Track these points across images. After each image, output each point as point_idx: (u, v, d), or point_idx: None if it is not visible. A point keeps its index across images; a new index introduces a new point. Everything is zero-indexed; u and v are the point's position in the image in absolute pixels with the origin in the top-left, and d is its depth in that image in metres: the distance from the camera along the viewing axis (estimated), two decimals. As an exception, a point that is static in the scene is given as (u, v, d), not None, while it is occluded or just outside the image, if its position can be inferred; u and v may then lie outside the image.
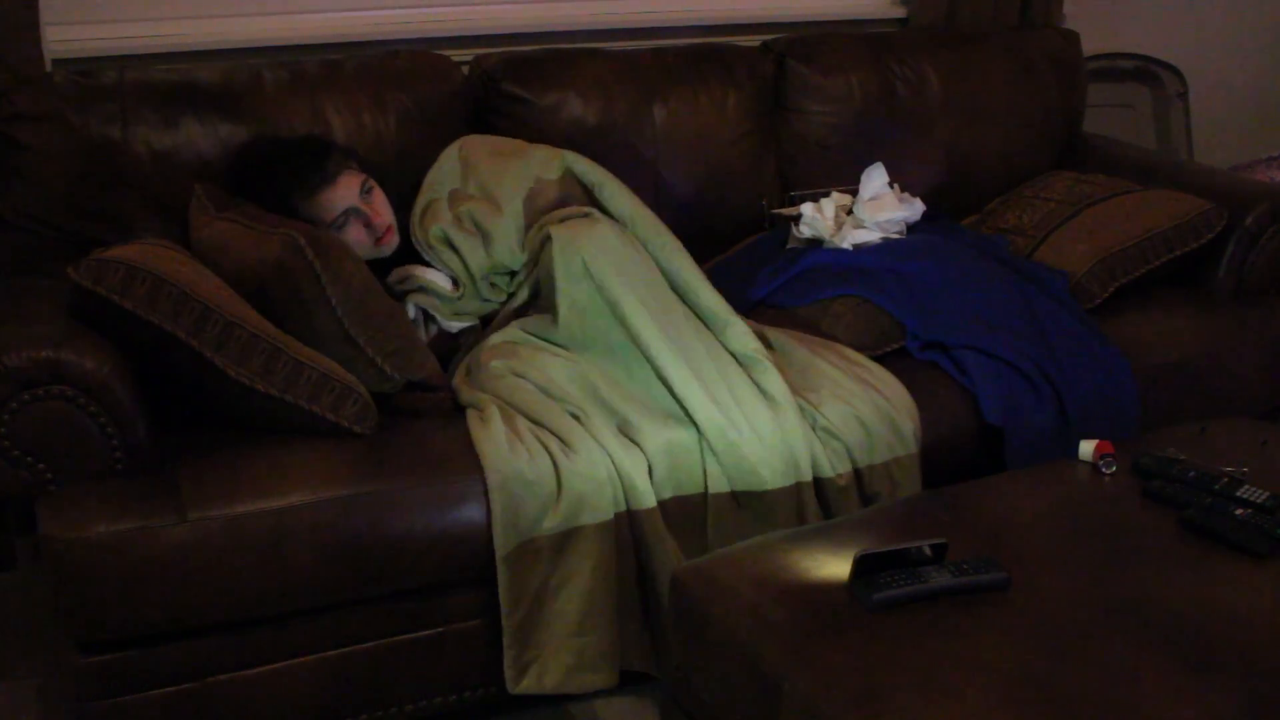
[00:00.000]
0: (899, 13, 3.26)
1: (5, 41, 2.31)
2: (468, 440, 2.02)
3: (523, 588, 1.98)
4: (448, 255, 2.32)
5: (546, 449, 2.01)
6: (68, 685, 1.87)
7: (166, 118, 2.34)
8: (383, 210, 2.30)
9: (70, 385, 1.81)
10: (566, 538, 1.99)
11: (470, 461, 1.98)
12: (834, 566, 1.68)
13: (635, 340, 2.14)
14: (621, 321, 2.15)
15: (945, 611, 1.58)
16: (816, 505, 2.13)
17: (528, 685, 2.00)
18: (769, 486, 2.08)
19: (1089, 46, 3.28)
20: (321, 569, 1.89)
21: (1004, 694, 1.44)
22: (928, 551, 1.65)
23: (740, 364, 2.19)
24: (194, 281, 1.92)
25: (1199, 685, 1.46)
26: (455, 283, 2.34)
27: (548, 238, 2.25)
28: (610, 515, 2.01)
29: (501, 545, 1.96)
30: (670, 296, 2.25)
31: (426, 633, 2.02)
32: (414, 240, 2.35)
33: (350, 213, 2.25)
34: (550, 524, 1.98)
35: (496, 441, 1.98)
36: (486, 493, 1.95)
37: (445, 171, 2.45)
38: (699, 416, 2.08)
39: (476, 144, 2.49)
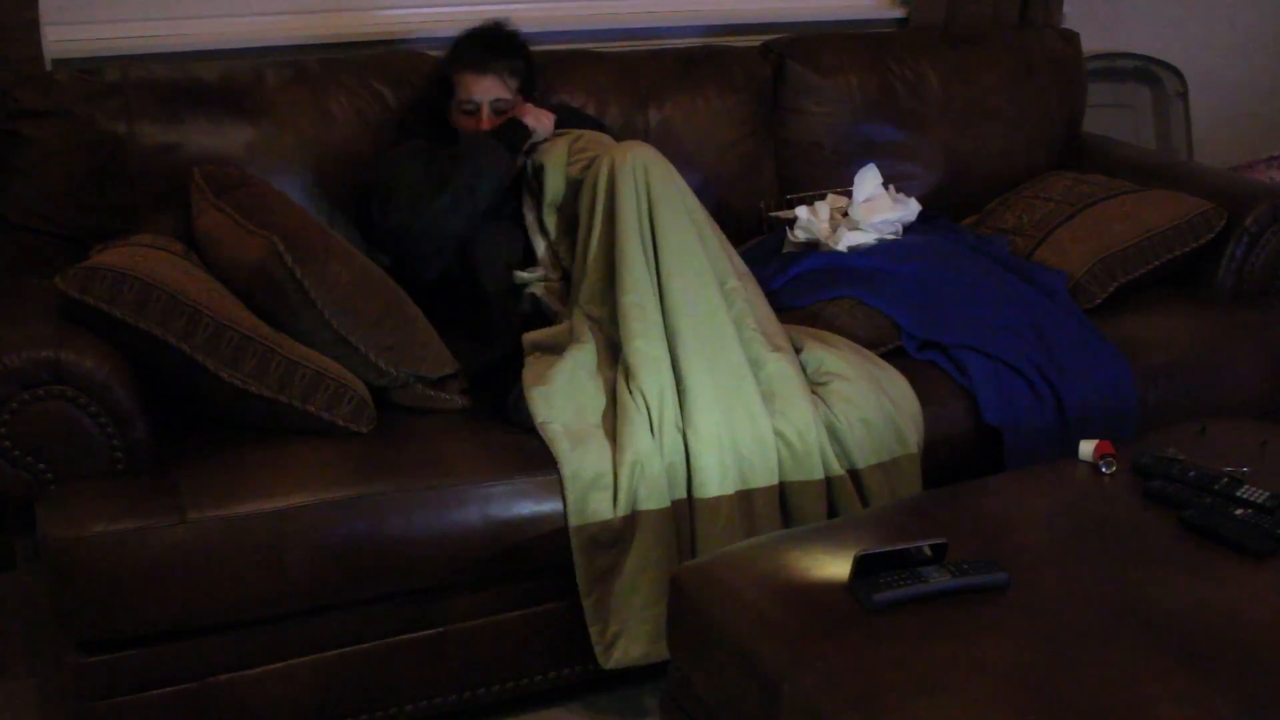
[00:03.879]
0: (899, 13, 3.26)
1: (5, 41, 2.31)
2: (470, 441, 2.02)
3: (593, 569, 2.01)
4: (540, 185, 2.36)
5: (610, 441, 2.04)
6: (68, 685, 1.87)
7: (170, 113, 2.34)
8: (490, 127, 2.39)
9: (70, 385, 1.81)
10: (628, 524, 2.01)
11: (472, 464, 1.98)
12: (834, 566, 1.67)
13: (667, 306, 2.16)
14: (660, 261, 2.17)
15: (945, 611, 1.58)
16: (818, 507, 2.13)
17: (618, 659, 2.03)
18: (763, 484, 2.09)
19: (1089, 46, 3.28)
20: (321, 570, 1.89)
21: (1004, 694, 1.44)
22: (928, 551, 1.65)
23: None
24: (183, 283, 1.91)
25: (1199, 685, 1.46)
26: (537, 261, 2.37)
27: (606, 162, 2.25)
28: (667, 502, 2.04)
29: (575, 533, 1.98)
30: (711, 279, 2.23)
31: (426, 633, 2.02)
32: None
33: (471, 107, 2.41)
34: (615, 514, 2.00)
35: (564, 433, 2.02)
36: (561, 484, 1.98)
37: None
38: (699, 418, 2.08)
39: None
